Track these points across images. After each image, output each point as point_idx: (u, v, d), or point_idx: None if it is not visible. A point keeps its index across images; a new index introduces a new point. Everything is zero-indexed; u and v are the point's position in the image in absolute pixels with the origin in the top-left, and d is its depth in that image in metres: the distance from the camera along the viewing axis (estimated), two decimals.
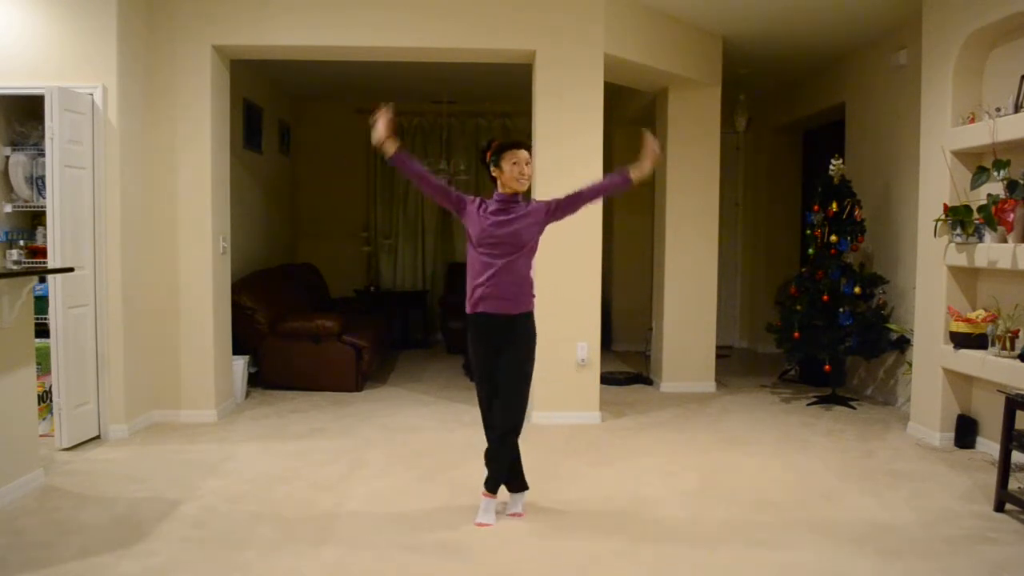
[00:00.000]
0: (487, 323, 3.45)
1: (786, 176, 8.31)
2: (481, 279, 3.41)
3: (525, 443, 4.81)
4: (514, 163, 3.44)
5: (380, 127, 3.32)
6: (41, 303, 4.44)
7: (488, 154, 3.53)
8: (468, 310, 3.49)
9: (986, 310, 4.46)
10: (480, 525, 3.43)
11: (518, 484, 3.64)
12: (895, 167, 5.84)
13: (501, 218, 3.42)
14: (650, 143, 3.42)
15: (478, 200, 3.51)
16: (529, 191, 3.61)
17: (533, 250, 3.50)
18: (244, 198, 6.85)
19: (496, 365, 3.46)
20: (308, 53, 5.31)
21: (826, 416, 5.49)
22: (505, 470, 3.55)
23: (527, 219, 3.44)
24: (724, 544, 3.22)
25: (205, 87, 5.06)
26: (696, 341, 6.29)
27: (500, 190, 3.49)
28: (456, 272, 8.65)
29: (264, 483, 3.93)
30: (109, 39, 4.63)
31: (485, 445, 3.55)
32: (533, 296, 3.53)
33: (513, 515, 3.57)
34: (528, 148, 3.51)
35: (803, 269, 6.09)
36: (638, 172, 3.43)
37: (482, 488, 3.53)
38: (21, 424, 3.70)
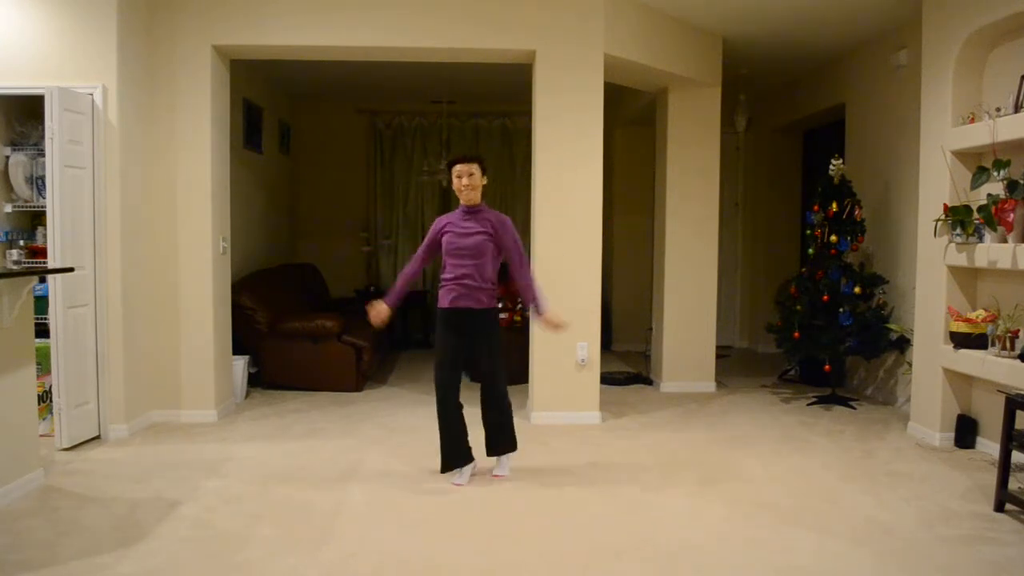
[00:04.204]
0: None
1: (786, 176, 8.32)
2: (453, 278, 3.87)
3: (525, 442, 4.81)
4: (457, 177, 3.85)
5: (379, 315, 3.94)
6: (41, 303, 4.44)
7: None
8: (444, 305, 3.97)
9: (986, 310, 4.46)
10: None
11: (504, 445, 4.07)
12: (895, 167, 5.84)
13: (463, 229, 3.82)
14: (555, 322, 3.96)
15: (445, 220, 3.90)
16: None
17: (496, 257, 3.87)
18: (244, 198, 6.86)
19: (469, 348, 3.96)
20: (308, 53, 5.31)
21: (826, 416, 5.49)
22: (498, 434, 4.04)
23: (484, 234, 3.81)
24: (724, 544, 3.22)
25: (205, 87, 5.06)
26: (696, 341, 6.29)
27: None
28: None
29: (264, 483, 3.93)
30: (109, 39, 4.63)
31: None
32: (495, 294, 3.95)
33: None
34: (470, 160, 3.84)
35: (803, 269, 6.09)
36: (545, 317, 3.94)
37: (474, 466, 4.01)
38: (21, 424, 3.70)
